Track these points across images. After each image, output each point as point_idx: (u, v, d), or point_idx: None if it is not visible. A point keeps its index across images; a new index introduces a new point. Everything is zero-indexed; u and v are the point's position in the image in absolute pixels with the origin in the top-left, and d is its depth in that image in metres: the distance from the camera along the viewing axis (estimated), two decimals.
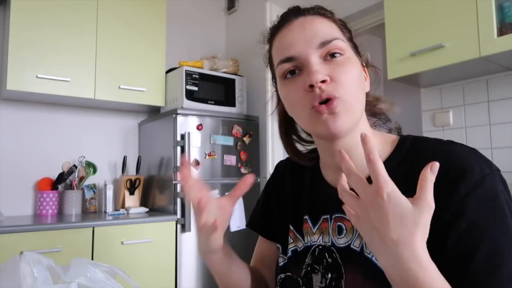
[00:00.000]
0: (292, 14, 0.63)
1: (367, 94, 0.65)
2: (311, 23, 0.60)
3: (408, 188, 0.53)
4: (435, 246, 0.50)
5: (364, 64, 0.66)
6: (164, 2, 2.58)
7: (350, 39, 0.64)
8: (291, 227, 0.70)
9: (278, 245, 0.73)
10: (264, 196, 0.82)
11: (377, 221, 0.44)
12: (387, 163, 0.57)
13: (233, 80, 2.62)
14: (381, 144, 0.63)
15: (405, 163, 0.59)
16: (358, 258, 0.59)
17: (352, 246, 0.60)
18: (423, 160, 0.55)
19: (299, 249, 0.68)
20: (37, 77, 2.06)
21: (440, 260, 0.50)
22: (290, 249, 0.69)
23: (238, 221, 2.34)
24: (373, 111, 0.70)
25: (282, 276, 0.69)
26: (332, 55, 0.58)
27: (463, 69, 1.67)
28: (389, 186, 0.44)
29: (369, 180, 0.50)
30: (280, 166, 0.82)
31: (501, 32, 1.45)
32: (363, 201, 0.45)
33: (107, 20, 2.32)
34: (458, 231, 0.51)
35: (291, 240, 0.69)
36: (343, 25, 0.64)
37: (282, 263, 0.70)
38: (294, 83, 0.59)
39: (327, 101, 0.56)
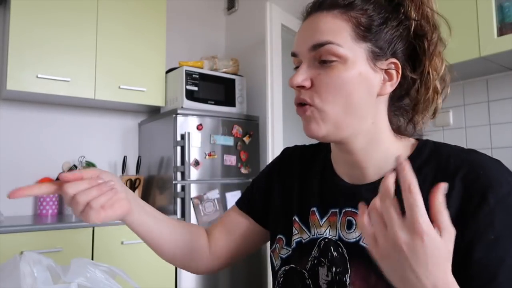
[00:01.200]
0: (312, 7, 0.62)
1: (399, 98, 0.63)
2: (317, 22, 0.58)
3: (429, 191, 0.54)
4: (462, 255, 0.51)
5: (395, 68, 0.59)
6: (164, 2, 2.57)
7: (372, 37, 0.57)
8: (296, 218, 0.69)
9: (280, 236, 0.71)
10: (265, 180, 0.79)
11: (410, 261, 0.42)
12: None
13: (233, 80, 2.62)
14: (399, 147, 0.63)
15: (427, 167, 0.59)
16: (368, 255, 0.57)
17: (362, 243, 0.60)
18: (447, 166, 0.56)
19: (304, 241, 0.67)
20: (37, 77, 2.06)
21: (465, 269, 0.51)
22: (294, 240, 0.67)
23: None
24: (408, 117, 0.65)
25: (286, 268, 0.68)
26: (323, 61, 0.57)
27: (463, 69, 1.67)
28: (428, 225, 0.41)
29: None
30: (287, 152, 0.80)
31: (501, 32, 1.45)
32: (391, 234, 0.42)
33: (107, 20, 2.32)
34: (486, 243, 0.51)
35: (296, 232, 0.68)
36: (373, 18, 0.58)
37: (286, 255, 0.68)
38: None
39: (304, 104, 0.59)
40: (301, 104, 0.59)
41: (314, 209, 0.67)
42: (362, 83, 0.57)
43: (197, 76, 2.46)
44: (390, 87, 0.60)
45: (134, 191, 2.45)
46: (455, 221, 0.51)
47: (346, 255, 0.61)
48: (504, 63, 1.59)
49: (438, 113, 0.65)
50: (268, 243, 0.78)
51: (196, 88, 2.44)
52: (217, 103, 2.51)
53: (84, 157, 2.39)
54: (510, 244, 0.51)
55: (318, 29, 0.58)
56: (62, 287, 0.50)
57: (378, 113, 0.61)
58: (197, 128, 2.34)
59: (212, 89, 2.52)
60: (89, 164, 2.41)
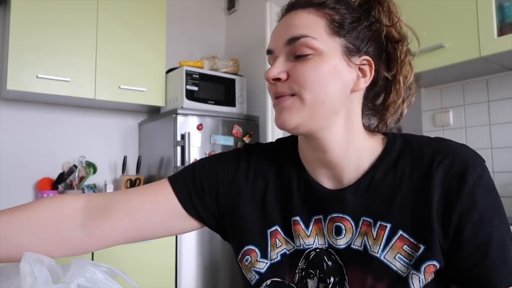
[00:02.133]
0: (285, 9, 0.63)
1: (371, 97, 0.65)
2: (292, 18, 0.60)
3: (409, 190, 0.58)
4: (454, 238, 0.55)
5: (369, 64, 0.60)
6: (164, 2, 2.58)
7: (346, 33, 0.59)
8: (278, 229, 0.64)
9: (251, 247, 0.65)
10: (224, 176, 0.69)
11: None
12: (380, 161, 0.61)
13: (233, 80, 2.62)
14: (371, 144, 0.63)
15: (402, 159, 0.60)
16: (363, 258, 0.58)
17: (353, 246, 0.59)
18: (421, 156, 0.59)
19: (288, 252, 0.63)
20: (37, 77, 2.06)
21: (457, 251, 0.55)
22: (278, 253, 0.63)
23: None
24: (380, 114, 0.67)
25: (268, 283, 0.62)
26: (298, 56, 0.57)
27: (463, 69, 1.67)
28: None
29: (361, 186, 0.59)
30: (253, 150, 0.71)
31: (501, 32, 1.46)
32: None
33: (107, 20, 2.32)
34: (472, 223, 0.54)
35: (279, 243, 0.63)
36: (345, 15, 0.59)
37: (264, 268, 0.63)
38: None
39: (281, 96, 0.59)
40: (278, 97, 0.59)
41: (297, 218, 0.63)
42: (337, 76, 0.58)
43: (197, 76, 2.46)
44: (363, 83, 0.60)
45: None
46: (441, 208, 0.55)
47: (340, 262, 0.60)
48: (504, 63, 1.59)
49: (402, 119, 0.67)
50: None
51: (196, 88, 2.44)
52: (217, 103, 2.51)
53: (84, 157, 2.39)
54: (493, 219, 0.54)
55: (292, 25, 0.59)
56: (62, 287, 0.50)
57: (352, 110, 0.61)
58: (197, 128, 2.34)
59: (212, 89, 2.52)
60: (89, 164, 2.41)
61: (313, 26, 0.58)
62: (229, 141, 2.47)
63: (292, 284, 0.62)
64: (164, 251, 2.14)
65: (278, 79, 0.59)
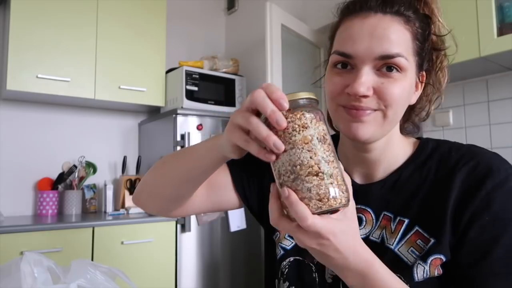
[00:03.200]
0: (373, 3, 0.58)
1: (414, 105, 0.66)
2: (384, 29, 0.56)
3: (431, 190, 0.60)
4: (461, 235, 0.56)
5: (421, 80, 0.63)
6: (164, 2, 2.57)
7: (418, 52, 0.59)
8: None
9: None
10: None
11: (329, 255, 0.46)
12: (409, 162, 0.64)
13: (233, 80, 2.62)
14: (405, 146, 0.66)
15: (430, 160, 0.62)
16: (379, 250, 0.58)
17: (371, 237, 0.62)
18: (448, 159, 0.61)
19: None
20: (37, 77, 2.06)
21: (459, 248, 0.56)
22: None
23: (238, 221, 2.34)
24: (411, 119, 0.70)
25: (291, 260, 0.68)
26: (389, 68, 0.56)
27: (463, 69, 1.67)
28: (327, 225, 0.44)
29: (388, 185, 0.62)
30: None
31: (501, 32, 1.45)
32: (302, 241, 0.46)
33: (107, 20, 2.32)
34: (482, 223, 0.54)
35: None
36: (420, 33, 0.59)
37: (290, 246, 0.69)
38: (339, 77, 0.59)
39: (361, 109, 0.58)
40: (355, 108, 0.57)
41: None
42: (409, 93, 0.60)
43: (197, 76, 2.46)
44: (415, 97, 0.63)
45: (134, 191, 2.45)
46: (455, 205, 0.56)
47: None
48: (504, 63, 1.59)
49: (428, 118, 0.70)
50: None
51: (196, 88, 2.44)
52: (217, 103, 2.51)
53: (84, 157, 2.39)
54: (503, 226, 0.54)
55: (387, 38, 0.55)
56: (62, 287, 0.50)
57: None
58: (197, 128, 2.34)
59: (212, 89, 2.52)
60: (89, 164, 2.41)
61: (405, 44, 0.57)
62: None
63: (311, 264, 0.66)
64: (164, 251, 2.14)
65: (364, 96, 0.56)
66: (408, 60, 0.57)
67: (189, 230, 2.21)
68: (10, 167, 2.26)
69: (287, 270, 0.69)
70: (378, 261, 0.50)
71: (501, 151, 1.72)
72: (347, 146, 0.67)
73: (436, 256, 0.56)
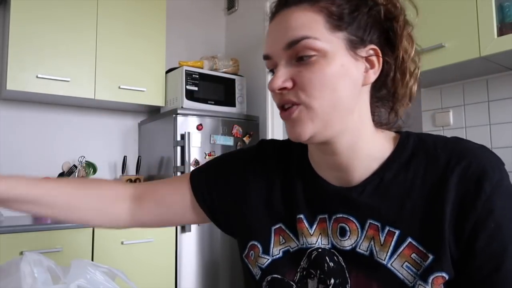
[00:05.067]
0: (278, 5, 0.57)
1: (381, 88, 0.60)
2: (288, 18, 0.54)
3: (421, 195, 0.54)
4: (467, 247, 0.51)
5: (375, 54, 0.56)
6: (164, 2, 2.57)
7: (343, 26, 0.54)
8: (283, 226, 0.63)
9: (254, 243, 0.65)
10: (235, 173, 0.71)
11: None
12: (390, 161, 0.58)
13: (233, 80, 2.62)
14: (382, 142, 0.59)
15: (415, 160, 0.57)
16: (368, 264, 0.55)
17: (358, 250, 0.57)
18: (436, 157, 0.55)
19: (291, 250, 0.62)
20: (37, 77, 2.06)
21: (470, 260, 0.51)
22: (281, 249, 0.62)
23: None
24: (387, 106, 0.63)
25: (269, 279, 0.62)
26: (304, 55, 0.53)
27: (463, 69, 1.67)
28: None
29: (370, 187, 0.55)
30: (266, 146, 0.72)
31: (501, 32, 1.45)
32: None
33: (107, 20, 2.32)
34: (487, 232, 0.50)
35: (283, 240, 0.63)
36: (344, 7, 0.54)
37: (265, 264, 0.63)
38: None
39: (288, 106, 0.55)
40: (284, 108, 0.55)
41: (302, 216, 0.61)
42: (346, 74, 0.54)
43: (197, 76, 2.46)
44: (373, 75, 0.56)
45: None
46: (454, 215, 0.52)
47: (343, 263, 0.58)
48: (504, 63, 1.59)
49: (413, 99, 0.61)
50: None
51: (196, 88, 2.44)
52: (217, 103, 2.51)
53: (84, 157, 2.39)
54: (508, 231, 0.51)
55: (289, 26, 0.54)
56: (62, 287, 0.50)
57: (362, 105, 0.58)
58: (197, 128, 2.34)
59: (212, 89, 2.52)
60: (89, 164, 2.41)
61: (312, 25, 0.53)
62: (229, 141, 2.47)
63: (292, 283, 0.60)
64: (164, 251, 2.14)
65: (284, 88, 0.54)
66: (321, 40, 0.52)
67: (189, 230, 2.21)
68: (10, 167, 2.26)
69: None
70: None
71: (501, 151, 1.72)
72: (313, 151, 0.63)
73: (437, 275, 0.51)
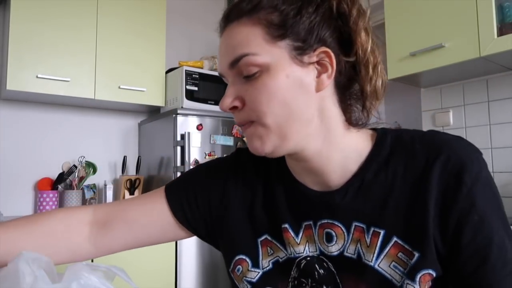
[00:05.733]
0: (222, 22, 0.57)
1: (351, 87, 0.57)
2: (229, 35, 0.54)
3: (402, 193, 0.54)
4: (453, 242, 0.51)
5: (325, 55, 0.53)
6: (164, 2, 2.57)
7: (291, 32, 0.51)
8: (269, 238, 0.62)
9: (242, 257, 0.63)
10: (214, 184, 0.67)
11: None
12: (369, 161, 0.56)
13: None
14: (357, 142, 0.57)
15: (394, 158, 0.55)
16: (357, 266, 0.54)
17: (346, 254, 0.56)
18: (414, 153, 0.55)
19: (280, 260, 0.60)
20: (37, 77, 2.06)
21: (456, 255, 0.51)
22: (270, 261, 0.61)
23: None
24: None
25: None
26: (247, 73, 0.52)
27: (463, 69, 1.67)
28: None
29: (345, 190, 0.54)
30: (243, 155, 0.68)
31: (501, 32, 1.46)
32: None
33: (107, 20, 2.32)
34: (472, 225, 0.50)
35: (271, 251, 0.61)
36: (286, 11, 0.51)
37: (256, 278, 0.61)
38: None
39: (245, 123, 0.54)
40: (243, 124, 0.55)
41: (286, 226, 0.60)
42: (293, 85, 0.52)
43: (197, 76, 2.46)
44: (327, 79, 0.53)
45: (134, 191, 2.45)
46: (438, 210, 0.51)
47: (333, 269, 0.57)
48: (504, 63, 1.59)
49: (381, 95, 0.57)
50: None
51: (196, 88, 2.44)
52: (217, 103, 2.51)
53: (84, 157, 2.39)
54: (493, 220, 0.51)
55: (230, 44, 0.53)
56: (62, 286, 0.50)
57: (325, 109, 0.55)
58: (197, 128, 2.34)
59: (212, 89, 2.52)
60: (89, 164, 2.41)
61: (250, 40, 0.51)
62: (229, 141, 2.47)
63: None
64: (164, 252, 2.14)
65: (234, 108, 0.54)
66: (261, 54, 0.51)
67: None
68: (10, 167, 2.26)
69: None
70: None
71: (501, 151, 1.72)
72: (286, 157, 0.62)
73: (424, 272, 0.51)
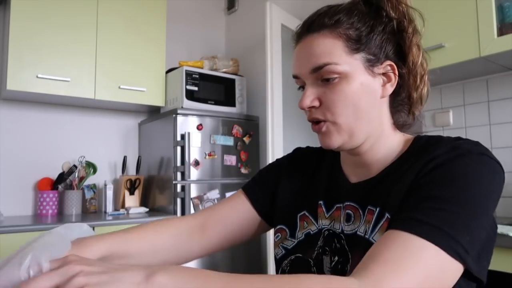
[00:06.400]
0: (302, 30, 0.65)
1: (398, 95, 0.66)
2: (310, 45, 0.63)
3: (409, 175, 0.59)
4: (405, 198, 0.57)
5: (391, 69, 0.63)
6: (164, 2, 2.58)
7: (361, 48, 0.61)
8: (306, 213, 0.72)
9: (283, 227, 0.74)
10: (273, 174, 0.82)
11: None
12: (399, 159, 0.65)
13: (233, 80, 2.62)
14: (398, 143, 0.67)
15: (416, 155, 0.62)
16: (363, 243, 0.61)
17: (358, 233, 0.63)
18: (426, 152, 0.60)
19: (312, 232, 0.71)
20: (37, 77, 2.06)
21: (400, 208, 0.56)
22: (304, 232, 0.71)
23: None
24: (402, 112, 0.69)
25: (292, 258, 0.71)
26: (327, 78, 0.61)
27: (463, 69, 1.67)
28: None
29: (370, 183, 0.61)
30: (299, 151, 0.84)
31: (501, 32, 1.45)
32: None
33: (107, 20, 2.32)
34: (416, 185, 0.56)
35: (306, 225, 0.72)
36: (361, 28, 0.62)
37: (291, 246, 0.72)
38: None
39: (318, 121, 0.64)
40: (315, 122, 0.64)
41: (321, 202, 0.71)
42: (364, 91, 0.62)
43: (197, 76, 2.46)
44: (390, 88, 0.64)
45: (134, 191, 2.45)
46: (411, 183, 0.58)
47: (346, 247, 0.64)
48: (504, 63, 1.59)
49: (425, 101, 0.68)
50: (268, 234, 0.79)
51: (196, 88, 2.44)
52: (217, 103, 2.51)
53: (84, 157, 2.39)
54: (436, 188, 0.53)
55: (313, 53, 0.62)
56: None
57: (382, 112, 0.65)
58: (197, 128, 2.34)
59: (212, 89, 2.52)
60: (89, 164, 2.41)
61: (332, 51, 0.61)
62: (229, 141, 2.47)
63: (310, 260, 0.68)
64: None
65: (312, 107, 0.63)
66: (341, 65, 0.60)
67: None
68: (10, 167, 2.26)
69: (288, 268, 0.71)
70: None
71: (501, 151, 1.72)
72: (343, 152, 0.73)
73: (383, 220, 0.58)
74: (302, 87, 0.66)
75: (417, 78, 0.66)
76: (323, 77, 0.61)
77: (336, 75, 0.61)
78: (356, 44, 0.61)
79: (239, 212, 0.79)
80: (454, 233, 0.49)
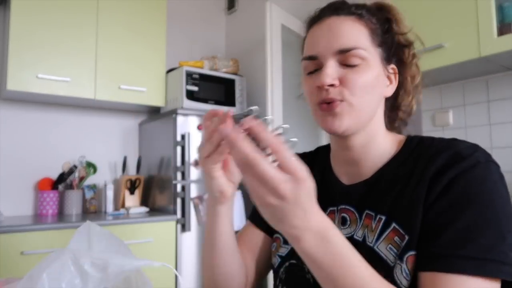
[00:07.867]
0: (327, 11, 0.65)
1: (394, 98, 0.70)
2: (339, 26, 0.62)
3: (407, 184, 0.59)
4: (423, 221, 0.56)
5: (394, 72, 0.67)
6: (164, 2, 2.58)
7: (379, 44, 0.64)
8: None
9: (277, 235, 0.74)
10: None
11: (293, 208, 0.43)
12: (392, 160, 0.65)
13: (233, 80, 2.62)
14: (391, 144, 0.67)
15: (410, 158, 0.63)
16: (361, 248, 0.58)
17: (355, 237, 0.62)
18: (425, 155, 0.61)
19: None
20: (37, 77, 2.07)
21: (423, 234, 0.55)
22: None
23: (238, 221, 2.34)
24: (396, 115, 0.73)
25: (287, 265, 0.71)
26: (350, 60, 0.61)
27: (463, 69, 1.67)
28: (305, 171, 0.43)
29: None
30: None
31: (501, 32, 1.45)
32: (271, 184, 0.42)
33: (107, 20, 2.32)
34: (438, 208, 0.54)
35: None
36: (378, 28, 0.65)
37: (285, 252, 0.72)
38: (311, 79, 0.65)
39: (331, 101, 0.62)
40: (326, 103, 0.62)
41: None
42: (378, 84, 0.63)
43: (197, 76, 2.46)
44: (391, 90, 0.67)
45: (134, 191, 2.45)
46: (425, 198, 0.56)
47: None
48: (504, 63, 1.59)
49: (413, 114, 0.73)
50: None
51: (196, 88, 2.44)
52: (217, 103, 2.51)
53: (84, 157, 2.39)
54: (460, 212, 0.53)
55: (341, 34, 0.62)
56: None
57: (379, 111, 0.67)
58: (198, 128, 2.34)
59: (212, 89, 2.52)
60: (89, 164, 2.41)
61: (360, 37, 0.62)
62: None
63: (304, 266, 0.67)
64: (164, 251, 2.14)
65: (331, 85, 0.62)
66: (367, 51, 0.62)
67: (189, 230, 2.21)
68: (11, 167, 2.27)
69: (284, 275, 0.71)
70: (334, 226, 0.48)
71: (501, 151, 1.72)
72: (334, 148, 0.72)
73: (411, 253, 0.55)
74: (315, 70, 0.64)
75: (410, 93, 0.70)
76: (347, 60, 0.61)
77: (360, 61, 0.61)
78: (378, 38, 0.64)
79: (260, 246, 0.78)
80: (499, 257, 0.50)
